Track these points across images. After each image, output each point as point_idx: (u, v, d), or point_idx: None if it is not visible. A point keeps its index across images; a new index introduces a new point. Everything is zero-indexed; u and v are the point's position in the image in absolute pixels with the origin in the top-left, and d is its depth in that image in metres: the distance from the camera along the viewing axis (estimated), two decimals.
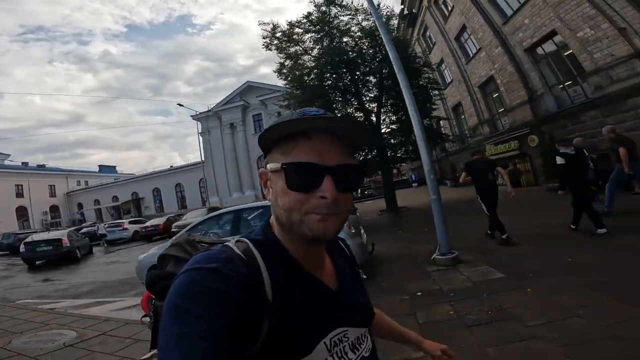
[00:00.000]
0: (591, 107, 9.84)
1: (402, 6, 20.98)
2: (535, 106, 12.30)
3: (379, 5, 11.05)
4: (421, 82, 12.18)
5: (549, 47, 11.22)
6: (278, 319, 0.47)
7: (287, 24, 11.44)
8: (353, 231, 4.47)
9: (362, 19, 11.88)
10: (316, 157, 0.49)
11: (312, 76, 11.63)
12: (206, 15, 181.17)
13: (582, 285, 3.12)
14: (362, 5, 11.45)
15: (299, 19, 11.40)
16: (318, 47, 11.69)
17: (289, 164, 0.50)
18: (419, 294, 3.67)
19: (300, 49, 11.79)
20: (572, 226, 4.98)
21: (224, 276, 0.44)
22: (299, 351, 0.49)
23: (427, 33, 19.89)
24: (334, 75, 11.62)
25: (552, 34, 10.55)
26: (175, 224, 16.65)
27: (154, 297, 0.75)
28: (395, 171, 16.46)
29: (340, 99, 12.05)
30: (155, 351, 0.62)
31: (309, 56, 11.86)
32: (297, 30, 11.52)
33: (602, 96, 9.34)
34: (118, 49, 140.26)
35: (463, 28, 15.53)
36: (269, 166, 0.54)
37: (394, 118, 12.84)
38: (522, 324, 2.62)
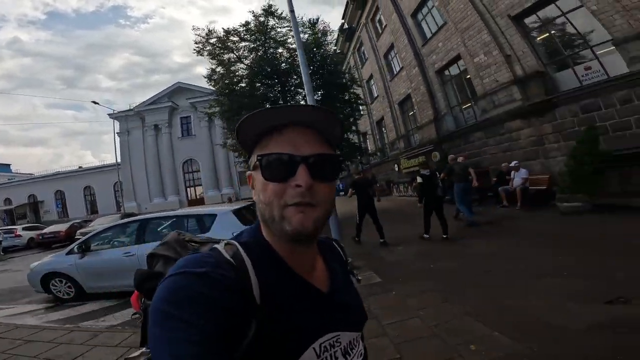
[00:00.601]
0: (477, 128, 11.17)
1: (343, 20, 21.91)
2: (439, 125, 13.62)
3: (306, 21, 11.91)
4: (347, 97, 12.85)
5: (454, 70, 12.63)
6: (265, 322, 0.47)
7: (224, 31, 11.43)
8: None
9: (300, 32, 12.07)
10: (290, 148, 0.51)
11: (243, 84, 11.75)
12: (145, 7, 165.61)
13: (431, 289, 3.62)
14: (302, 18, 11.91)
15: (235, 27, 11.51)
16: (252, 56, 11.80)
17: (264, 155, 0.51)
18: None
19: (235, 56, 11.79)
20: (425, 235, 6.24)
21: (212, 281, 0.45)
22: (286, 356, 0.48)
23: (362, 48, 21.10)
24: (265, 85, 11.84)
25: (457, 58, 11.84)
26: (80, 230, 14.74)
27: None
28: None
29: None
30: (144, 349, 0.61)
31: (242, 64, 11.93)
32: (232, 38, 11.54)
33: (486, 119, 10.62)
34: (31, 36, 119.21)
35: (391, 47, 16.71)
36: (250, 162, 0.55)
37: None
38: (379, 323, 2.95)
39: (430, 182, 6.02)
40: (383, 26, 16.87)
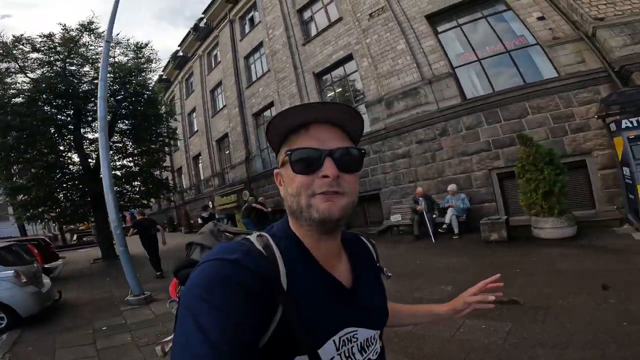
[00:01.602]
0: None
1: (179, 48, 20.57)
2: (249, 166, 13.90)
3: (133, 43, 11.53)
4: (159, 130, 12.53)
5: (267, 115, 13.49)
6: (290, 311, 0.48)
7: (14, 38, 9.75)
8: (24, 280, 4.57)
9: (120, 53, 11.32)
10: (317, 143, 0.53)
11: (20, 99, 9.96)
12: None
13: None
14: (128, 40, 11.41)
15: (32, 36, 9.91)
16: (44, 70, 10.15)
17: (292, 149, 0.54)
18: (104, 328, 4.24)
19: (17, 66, 9.86)
20: None
21: (243, 268, 0.46)
22: (309, 346, 0.49)
23: (191, 79, 20.01)
24: (52, 106, 10.45)
25: (271, 104, 12.79)
26: None
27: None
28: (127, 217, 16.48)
29: (53, 131, 10.56)
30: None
31: (26, 77, 10.11)
32: (22, 47, 9.80)
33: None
34: None
35: (219, 83, 16.65)
36: (279, 159, 0.58)
37: (118, 164, 12.42)
38: None
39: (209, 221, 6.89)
40: (217, 62, 16.94)
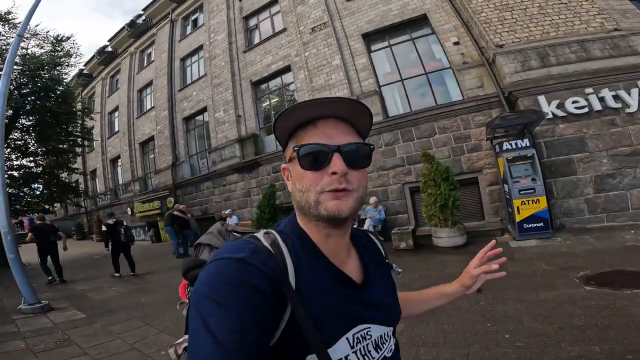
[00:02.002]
0: (207, 178, 11.51)
1: (109, 43, 18.68)
2: (176, 171, 12.97)
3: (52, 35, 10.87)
4: (70, 129, 11.76)
5: (199, 120, 12.82)
6: (301, 309, 0.47)
7: None
8: None
9: (35, 45, 10.57)
10: (325, 139, 0.53)
11: None
12: None
13: (135, 317, 4.24)
14: (48, 32, 10.73)
15: None
16: None
17: (301, 145, 0.53)
18: None
19: None
20: (116, 273, 7.07)
21: (250, 267, 0.46)
22: (319, 344, 0.48)
23: (117, 77, 18.13)
24: None
25: (204, 110, 12.25)
26: None
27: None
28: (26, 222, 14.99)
29: None
30: (187, 336, 0.54)
31: None
32: None
33: (214, 171, 11.13)
34: None
35: (150, 83, 15.47)
36: (287, 155, 0.58)
37: (16, 163, 11.38)
38: (80, 347, 3.34)
39: (114, 230, 6.90)
40: (150, 61, 15.77)
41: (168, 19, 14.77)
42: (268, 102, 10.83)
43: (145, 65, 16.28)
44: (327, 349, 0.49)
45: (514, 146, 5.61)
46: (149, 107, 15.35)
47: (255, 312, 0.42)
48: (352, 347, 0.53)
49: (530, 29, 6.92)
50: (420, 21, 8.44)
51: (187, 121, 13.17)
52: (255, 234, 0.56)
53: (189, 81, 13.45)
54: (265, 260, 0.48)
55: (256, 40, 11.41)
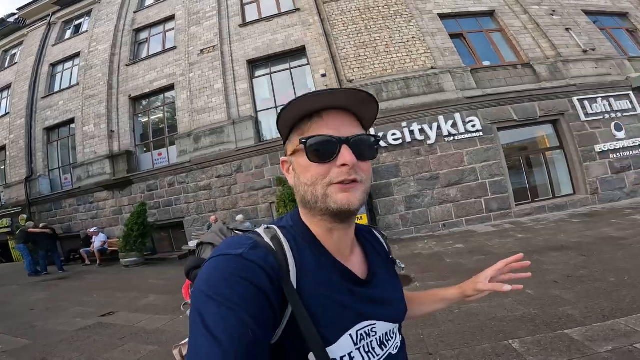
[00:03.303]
0: (71, 195, 10.40)
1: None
2: (31, 186, 11.29)
3: None
4: None
5: (64, 132, 11.47)
6: (300, 306, 0.47)
7: None
8: None
9: None
10: (332, 131, 0.52)
11: None
12: None
13: None
14: None
15: None
16: None
17: (307, 137, 0.52)
18: None
19: None
20: None
21: (248, 263, 0.45)
22: (322, 340, 0.47)
23: None
24: None
25: (72, 121, 11.07)
26: None
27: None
28: None
29: None
30: None
31: None
32: None
33: (79, 187, 10.11)
34: None
35: (8, 87, 13.26)
36: (289, 147, 0.57)
37: None
38: None
39: None
40: (13, 62, 13.38)
41: (46, 21, 13.29)
42: (147, 119, 10.29)
43: (6, 66, 13.78)
44: (330, 346, 0.48)
45: None
46: (2, 113, 12.83)
47: (254, 309, 0.41)
48: (355, 344, 0.51)
49: (375, 66, 8.05)
50: (299, 52, 9.28)
51: (50, 132, 11.66)
52: (256, 230, 0.55)
53: (56, 89, 12.08)
54: (265, 256, 0.47)
55: (143, 54, 11.01)
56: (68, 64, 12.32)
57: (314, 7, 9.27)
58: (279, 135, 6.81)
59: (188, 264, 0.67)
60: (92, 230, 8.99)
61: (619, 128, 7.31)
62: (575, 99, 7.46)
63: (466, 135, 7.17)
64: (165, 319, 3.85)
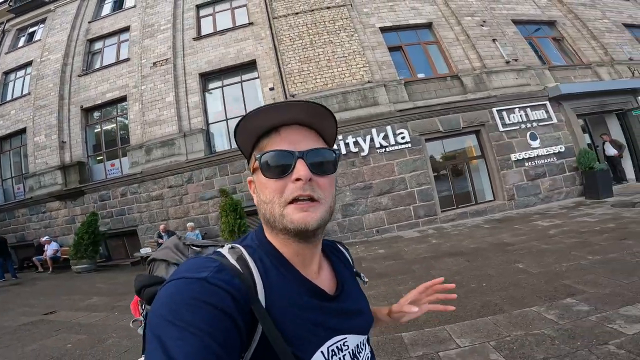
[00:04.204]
0: (24, 205, 10.41)
1: None
2: None
3: None
4: None
5: (16, 142, 11.37)
6: (271, 327, 0.45)
7: None
8: None
9: None
10: (288, 146, 0.51)
11: None
12: None
13: None
14: None
15: None
16: None
17: (262, 153, 0.52)
18: None
19: None
20: None
21: (213, 286, 0.43)
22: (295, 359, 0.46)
23: None
24: None
25: (23, 131, 10.96)
26: None
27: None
28: None
29: None
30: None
31: None
32: None
33: (30, 197, 10.10)
34: None
35: None
36: (252, 165, 0.55)
37: None
38: None
39: None
40: None
41: (0, 28, 12.78)
42: (100, 130, 10.23)
43: None
44: None
45: None
46: None
47: (219, 334, 0.40)
48: None
49: (317, 80, 8.41)
50: (250, 66, 9.57)
51: (2, 141, 11.58)
52: (219, 250, 0.53)
53: (8, 98, 11.95)
54: (230, 279, 0.45)
55: (97, 65, 10.95)
56: (20, 73, 12.19)
57: (266, 21, 9.54)
58: (229, 147, 8.05)
59: (139, 281, 0.63)
60: (43, 239, 9.19)
61: (533, 137, 7.99)
62: (494, 109, 8.14)
63: (396, 147, 7.73)
64: (100, 316, 4.41)
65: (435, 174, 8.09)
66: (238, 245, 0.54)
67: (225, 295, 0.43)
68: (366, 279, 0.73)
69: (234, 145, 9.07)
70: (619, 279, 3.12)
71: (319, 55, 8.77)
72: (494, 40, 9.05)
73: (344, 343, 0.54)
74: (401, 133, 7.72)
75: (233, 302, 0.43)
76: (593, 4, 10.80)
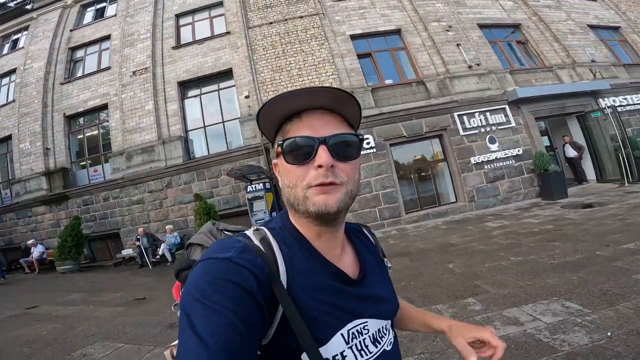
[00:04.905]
0: (10, 210, 10.73)
1: None
2: None
3: None
4: None
5: (2, 149, 11.50)
6: (291, 307, 0.46)
7: None
8: None
9: None
10: (310, 132, 0.51)
11: None
12: None
13: None
14: None
15: None
16: None
17: (284, 139, 0.52)
18: None
19: None
20: None
21: (237, 266, 0.45)
22: (314, 341, 0.46)
23: None
24: None
25: (9, 138, 11.17)
26: None
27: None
28: None
29: None
30: None
31: None
32: None
33: (17, 202, 10.42)
34: None
35: None
36: (275, 149, 0.55)
37: None
38: None
39: None
40: None
41: None
42: (82, 136, 10.46)
43: None
44: (321, 346, 0.48)
45: (253, 188, 7.23)
46: None
47: (242, 312, 0.41)
48: (347, 343, 0.51)
49: (288, 89, 8.57)
50: (227, 74, 9.87)
51: None
52: (245, 232, 0.55)
53: None
54: (253, 258, 0.47)
55: (79, 73, 11.17)
56: (5, 80, 12.43)
57: (242, 31, 9.80)
58: (207, 154, 8.76)
59: (177, 265, 0.66)
60: (30, 242, 9.58)
61: (492, 141, 8.38)
62: (455, 114, 8.54)
63: (362, 152, 7.82)
64: (76, 309, 4.90)
65: (402, 176, 8.49)
66: (263, 228, 0.56)
67: (249, 274, 0.45)
68: (389, 265, 0.72)
69: (212, 151, 9.42)
70: (523, 280, 3.28)
71: (290, 64, 9.10)
72: (458, 45, 9.37)
73: (364, 327, 0.55)
74: (366, 138, 8.08)
75: (255, 281, 0.45)
76: (559, 5, 11.11)
